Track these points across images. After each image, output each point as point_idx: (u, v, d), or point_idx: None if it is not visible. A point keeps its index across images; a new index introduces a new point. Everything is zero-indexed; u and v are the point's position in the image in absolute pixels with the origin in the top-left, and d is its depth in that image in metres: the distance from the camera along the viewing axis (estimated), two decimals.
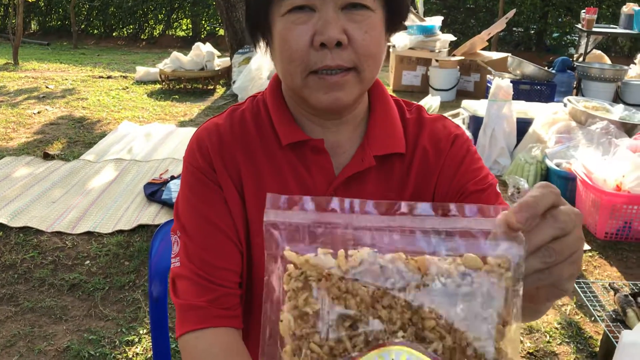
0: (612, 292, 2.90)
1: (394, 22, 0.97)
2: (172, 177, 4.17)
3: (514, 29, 11.30)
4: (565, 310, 2.92)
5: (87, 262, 3.24)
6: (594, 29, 7.17)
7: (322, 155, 1.01)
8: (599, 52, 7.90)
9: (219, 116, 1.08)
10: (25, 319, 2.75)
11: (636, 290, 2.50)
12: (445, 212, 0.58)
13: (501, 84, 4.63)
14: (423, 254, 0.57)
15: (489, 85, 6.27)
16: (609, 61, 7.69)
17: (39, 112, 6.28)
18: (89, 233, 3.51)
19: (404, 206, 0.59)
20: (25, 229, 3.52)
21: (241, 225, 1.01)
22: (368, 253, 0.57)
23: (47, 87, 7.59)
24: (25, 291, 2.97)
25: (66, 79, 8.19)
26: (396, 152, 1.03)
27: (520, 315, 0.57)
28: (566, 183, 4.07)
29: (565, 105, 4.81)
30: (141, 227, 3.56)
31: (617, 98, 6.65)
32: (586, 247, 3.55)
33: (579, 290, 3.04)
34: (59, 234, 3.50)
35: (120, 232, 3.53)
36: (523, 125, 4.76)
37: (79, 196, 4.02)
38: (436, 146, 1.05)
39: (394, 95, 1.13)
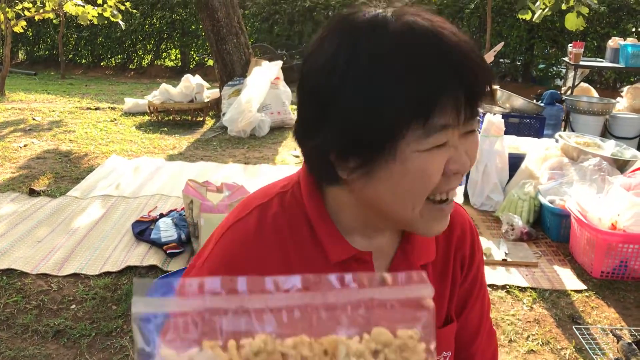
0: (611, 336, 2.85)
1: None
2: (162, 215, 4.09)
3: (501, 60, 11.40)
4: (565, 354, 2.86)
5: (73, 306, 3.14)
6: (581, 62, 7.25)
7: (366, 265, 0.93)
8: (587, 85, 7.97)
9: (245, 220, 0.94)
10: None
11: (639, 336, 2.45)
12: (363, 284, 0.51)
13: (493, 119, 4.63)
14: (329, 334, 0.49)
15: (479, 118, 6.27)
16: (596, 94, 7.76)
17: (25, 146, 6.19)
18: (75, 275, 3.41)
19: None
20: (9, 271, 3.41)
21: None
22: (264, 340, 0.48)
23: (33, 119, 7.51)
24: (7, 338, 2.86)
25: (53, 111, 8.11)
26: (430, 260, 0.98)
27: None
28: (560, 220, 4.04)
29: (557, 140, 4.82)
30: (129, 269, 3.47)
31: (606, 131, 6.69)
32: (582, 286, 3.51)
33: (578, 334, 2.99)
34: (44, 275, 3.39)
35: (108, 273, 3.43)
36: (515, 161, 4.75)
37: (65, 235, 3.92)
38: (463, 252, 1.04)
39: None
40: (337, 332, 0.50)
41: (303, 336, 0.49)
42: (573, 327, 3.06)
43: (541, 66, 11.39)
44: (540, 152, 4.71)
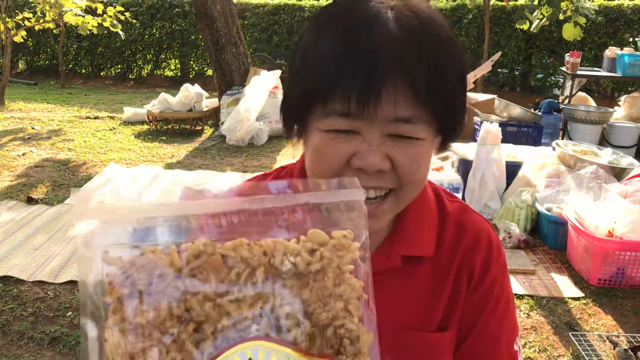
0: (608, 343, 2.85)
1: (445, 141, 0.89)
2: None
3: (499, 70, 11.45)
4: None
5: (70, 313, 3.13)
6: (579, 72, 7.28)
7: None
8: (584, 94, 8.00)
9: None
10: None
11: (635, 343, 2.44)
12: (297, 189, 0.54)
13: (490, 128, 4.64)
14: (267, 236, 0.52)
15: (476, 127, 6.29)
16: (593, 103, 7.79)
17: (23, 154, 6.20)
18: (71, 282, 3.41)
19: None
20: (5, 278, 3.41)
21: None
22: (204, 244, 0.49)
23: (32, 128, 7.52)
24: (3, 346, 2.85)
25: (52, 120, 8.13)
26: (424, 255, 0.95)
27: (372, 285, 0.55)
28: (557, 228, 4.04)
29: (554, 149, 4.83)
30: None
31: (603, 140, 6.71)
32: (579, 294, 3.50)
33: (574, 340, 2.98)
34: (40, 283, 3.39)
35: None
36: (512, 169, 4.76)
37: (62, 243, 3.92)
38: (478, 262, 0.98)
39: (433, 183, 1.04)
40: (275, 235, 0.52)
41: (242, 239, 0.51)
42: (569, 333, 3.05)
43: (539, 76, 11.43)
44: (538, 160, 4.72)
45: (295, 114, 0.87)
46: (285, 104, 0.89)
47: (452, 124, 0.85)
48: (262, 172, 1.07)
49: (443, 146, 0.89)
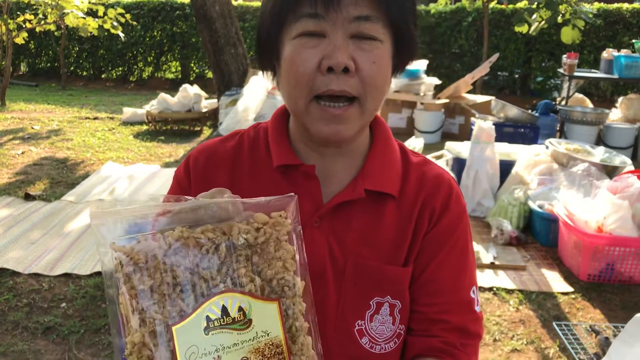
0: (594, 335, 2.88)
1: (402, 57, 0.98)
2: None
3: (499, 73, 11.49)
4: (548, 353, 2.88)
5: (64, 304, 3.17)
6: (576, 74, 7.32)
7: (312, 182, 1.01)
8: (581, 95, 8.04)
9: (220, 137, 1.12)
10: None
11: (617, 333, 2.47)
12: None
13: (483, 126, 4.68)
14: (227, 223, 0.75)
15: (473, 127, 6.33)
16: (590, 104, 7.82)
17: (22, 153, 6.25)
18: (66, 275, 3.45)
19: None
20: (1, 271, 3.45)
21: None
22: (182, 230, 0.71)
23: (32, 128, 7.58)
24: None
25: (52, 120, 8.18)
26: (387, 192, 1.02)
27: (303, 247, 0.79)
28: (549, 224, 4.07)
29: (547, 147, 4.86)
30: None
31: (600, 141, 6.74)
32: (569, 289, 3.53)
33: (558, 330, 3.02)
34: (35, 275, 3.43)
35: (98, 273, 3.47)
36: (506, 167, 4.79)
37: (58, 237, 3.96)
38: (438, 203, 1.05)
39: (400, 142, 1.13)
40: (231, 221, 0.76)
41: (208, 225, 0.73)
42: (554, 324, 3.09)
43: (539, 79, 11.46)
44: (531, 159, 4.75)
45: (268, 41, 0.96)
46: (257, 40, 1.00)
47: (405, 33, 0.95)
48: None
49: (400, 60, 0.99)
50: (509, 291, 3.49)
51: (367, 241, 1.01)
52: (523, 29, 8.94)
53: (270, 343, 0.71)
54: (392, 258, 1.02)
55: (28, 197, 4.76)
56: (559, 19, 8.27)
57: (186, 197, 0.75)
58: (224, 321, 0.70)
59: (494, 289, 3.51)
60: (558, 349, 2.91)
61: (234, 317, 0.70)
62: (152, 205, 0.73)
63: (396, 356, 1.04)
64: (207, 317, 0.69)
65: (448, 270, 1.04)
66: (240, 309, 0.71)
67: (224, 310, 0.70)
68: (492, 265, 3.77)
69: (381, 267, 1.01)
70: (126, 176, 5.38)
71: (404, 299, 1.03)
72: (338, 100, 0.92)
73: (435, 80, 8.01)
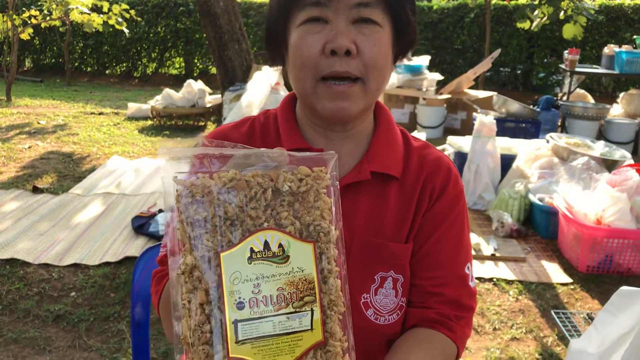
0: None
1: (401, 40, 1.06)
2: (160, 210, 4.21)
3: (501, 69, 11.53)
4: (547, 341, 2.95)
5: (73, 293, 3.25)
6: (577, 69, 7.36)
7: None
8: (583, 91, 8.09)
9: (233, 123, 1.19)
10: (9, 350, 2.75)
11: None
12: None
13: (485, 120, 4.74)
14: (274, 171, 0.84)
15: (475, 122, 6.39)
16: (592, 100, 7.87)
17: (29, 147, 6.33)
18: (75, 265, 3.53)
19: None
20: (12, 261, 3.53)
21: None
22: (235, 173, 0.80)
23: (38, 123, 7.66)
24: (10, 322, 2.97)
25: (58, 115, 8.26)
26: (391, 174, 1.10)
27: (339, 200, 0.87)
28: (549, 217, 4.14)
29: (547, 141, 4.92)
30: (128, 259, 3.58)
31: (601, 136, 6.79)
32: (568, 280, 3.60)
33: (558, 322, 3.08)
34: (45, 265, 3.51)
35: (107, 264, 3.55)
36: (507, 161, 4.85)
37: (66, 229, 4.04)
38: (437, 184, 1.13)
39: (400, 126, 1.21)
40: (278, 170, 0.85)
41: (257, 170, 0.83)
42: (552, 312, 3.15)
43: (541, 75, 11.50)
44: (531, 153, 4.81)
45: (276, 31, 1.06)
46: (266, 31, 1.09)
47: (403, 19, 1.02)
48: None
49: (399, 44, 1.06)
50: (509, 282, 3.56)
51: (373, 220, 1.09)
52: (525, 25, 8.99)
53: (304, 279, 0.80)
54: (395, 235, 1.10)
55: (36, 190, 4.84)
56: (561, 15, 8.32)
57: (242, 144, 0.85)
58: (265, 254, 0.79)
59: (494, 279, 3.57)
60: (556, 337, 2.98)
61: (274, 252, 0.79)
62: (212, 149, 0.83)
63: (398, 327, 1.11)
64: (251, 248, 0.79)
65: (445, 246, 1.11)
66: (280, 245, 0.80)
67: (266, 245, 0.79)
68: (492, 257, 3.83)
69: (385, 244, 1.08)
70: (132, 170, 5.45)
71: (406, 274, 1.10)
72: (342, 80, 1.00)
73: (438, 76, 8.06)
